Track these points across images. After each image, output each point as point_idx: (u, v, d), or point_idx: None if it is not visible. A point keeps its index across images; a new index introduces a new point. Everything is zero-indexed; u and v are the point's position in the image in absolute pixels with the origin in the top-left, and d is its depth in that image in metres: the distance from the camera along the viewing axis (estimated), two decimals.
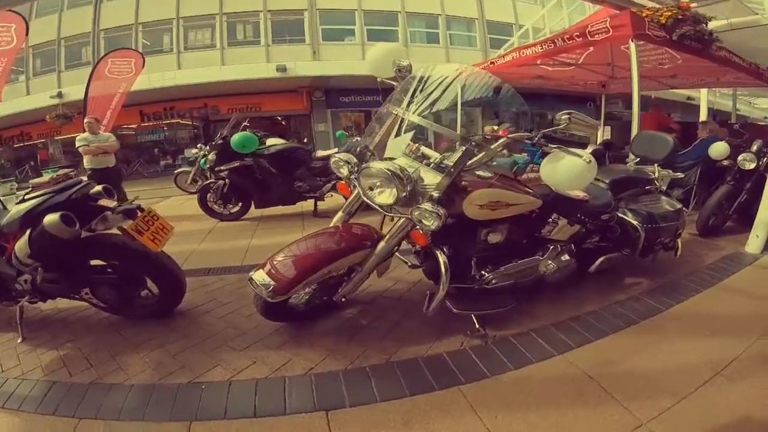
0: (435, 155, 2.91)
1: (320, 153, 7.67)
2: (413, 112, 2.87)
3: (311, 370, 2.72)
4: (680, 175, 4.81)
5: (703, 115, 11.85)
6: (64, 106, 17.17)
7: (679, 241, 4.18)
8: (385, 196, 2.68)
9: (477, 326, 3.04)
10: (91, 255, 3.25)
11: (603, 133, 12.64)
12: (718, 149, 5.73)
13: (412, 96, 2.95)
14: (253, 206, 7.27)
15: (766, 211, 4.69)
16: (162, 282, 3.37)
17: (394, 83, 3.24)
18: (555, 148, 2.66)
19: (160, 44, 21.18)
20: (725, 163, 5.71)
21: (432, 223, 2.55)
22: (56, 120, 16.97)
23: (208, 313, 3.60)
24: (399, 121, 2.98)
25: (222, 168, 6.79)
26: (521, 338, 3.03)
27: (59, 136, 20.65)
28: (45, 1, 20.98)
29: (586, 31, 5.99)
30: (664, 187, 4.35)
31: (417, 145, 2.98)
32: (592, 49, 7.70)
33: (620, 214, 3.79)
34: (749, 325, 3.16)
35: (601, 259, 3.69)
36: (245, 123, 7.62)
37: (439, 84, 2.90)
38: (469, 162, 2.72)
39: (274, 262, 2.75)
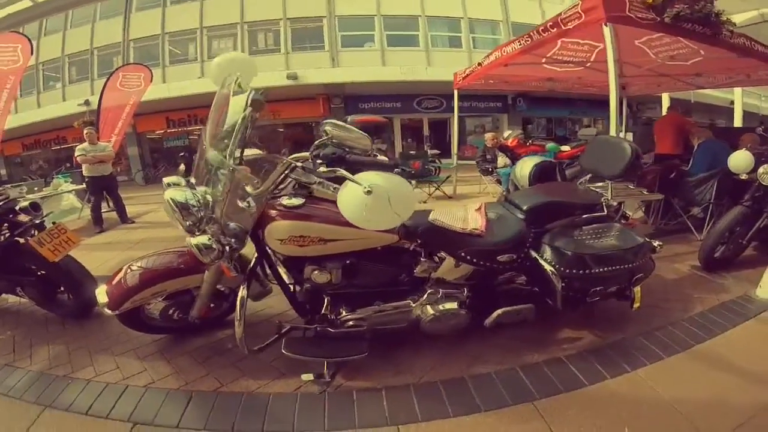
0: None
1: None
2: (208, 134, 2.51)
3: (150, 384, 2.77)
4: (644, 191, 3.74)
5: (738, 120, 10.42)
6: (90, 114, 17.18)
7: (636, 289, 3.03)
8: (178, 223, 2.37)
9: (325, 372, 2.64)
10: (22, 260, 3.69)
11: None
12: (738, 160, 4.48)
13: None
14: None
15: None
16: (68, 287, 3.74)
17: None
18: (328, 172, 2.34)
19: (186, 53, 21.55)
20: (744, 177, 4.45)
21: (206, 257, 2.25)
22: (83, 126, 16.91)
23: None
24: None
25: None
26: (365, 395, 2.57)
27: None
28: (79, 12, 22.25)
29: (559, 20, 5.09)
30: (631, 214, 3.41)
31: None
32: (601, 46, 6.76)
33: (536, 254, 2.87)
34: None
35: (498, 312, 2.84)
36: None
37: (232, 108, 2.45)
38: (256, 191, 2.38)
39: (113, 278, 2.80)
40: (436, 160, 11.10)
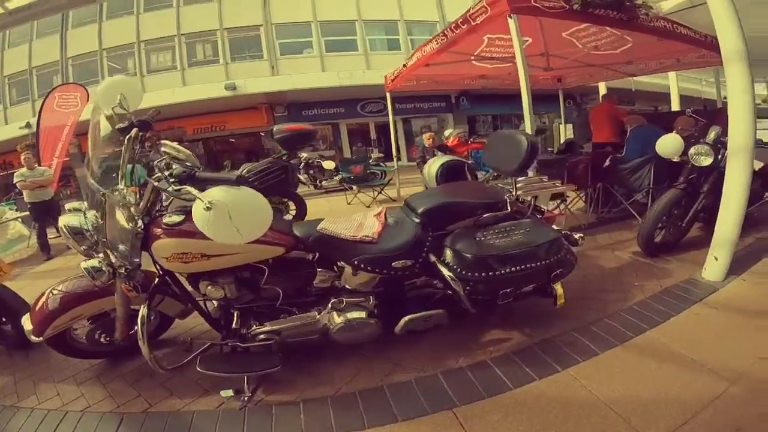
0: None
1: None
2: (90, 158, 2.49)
3: (87, 408, 2.69)
4: (557, 184, 3.38)
5: (675, 105, 10.43)
6: (32, 137, 16.56)
7: (557, 286, 2.86)
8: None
9: (245, 387, 2.58)
10: None
11: (565, 132, 11.76)
12: (666, 144, 4.36)
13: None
14: None
15: (724, 225, 3.49)
16: (7, 318, 3.58)
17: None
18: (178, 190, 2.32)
19: (125, 68, 20.80)
20: (676, 159, 4.35)
21: (97, 280, 2.32)
22: (24, 150, 16.26)
23: None
24: None
25: None
26: (283, 409, 2.49)
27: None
28: (15, 31, 20.73)
29: (467, 16, 4.90)
30: (546, 206, 3.24)
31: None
32: (530, 40, 6.76)
33: (435, 259, 2.70)
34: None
35: (405, 319, 2.68)
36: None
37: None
38: (135, 212, 2.36)
39: (36, 304, 2.74)
40: (381, 164, 10.78)
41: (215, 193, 1.93)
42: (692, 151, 4.11)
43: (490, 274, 2.59)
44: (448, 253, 2.67)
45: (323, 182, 11.81)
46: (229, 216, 1.90)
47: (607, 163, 5.46)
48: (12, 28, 18.62)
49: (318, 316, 2.69)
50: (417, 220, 2.80)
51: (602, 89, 10.34)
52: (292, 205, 6.46)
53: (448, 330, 2.91)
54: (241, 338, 2.65)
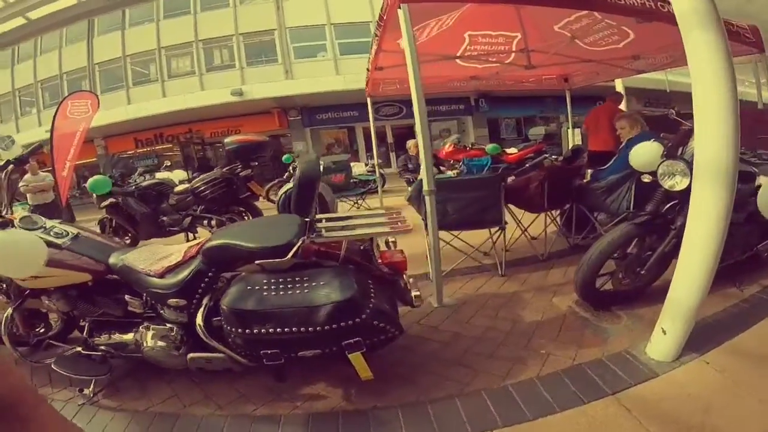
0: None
1: (179, 187, 6.69)
2: None
3: None
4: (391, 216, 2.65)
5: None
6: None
7: (354, 356, 2.17)
8: None
9: (90, 389, 2.64)
10: None
11: (573, 138, 10.49)
12: (640, 154, 3.35)
13: None
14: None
15: (681, 284, 2.37)
16: None
17: None
18: None
19: (148, 74, 21.25)
20: (647, 179, 3.26)
21: None
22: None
23: None
24: None
25: (101, 205, 6.44)
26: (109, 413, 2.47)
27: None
28: (47, 39, 22.18)
29: (381, 14, 4.08)
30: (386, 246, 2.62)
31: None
32: (519, 35, 6.09)
33: (205, 302, 2.39)
34: None
35: (188, 356, 2.43)
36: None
37: None
38: None
39: None
40: (376, 171, 9.71)
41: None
42: (661, 169, 2.91)
43: (245, 330, 2.15)
44: (215, 299, 2.36)
45: None
46: None
47: (586, 178, 4.48)
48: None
49: (132, 338, 2.61)
50: (198, 259, 2.43)
51: (619, 88, 9.02)
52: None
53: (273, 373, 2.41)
54: (87, 346, 2.69)
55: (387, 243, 2.60)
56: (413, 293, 2.42)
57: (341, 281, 2.17)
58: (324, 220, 2.59)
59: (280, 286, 2.18)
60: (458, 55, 6.46)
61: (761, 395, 2.00)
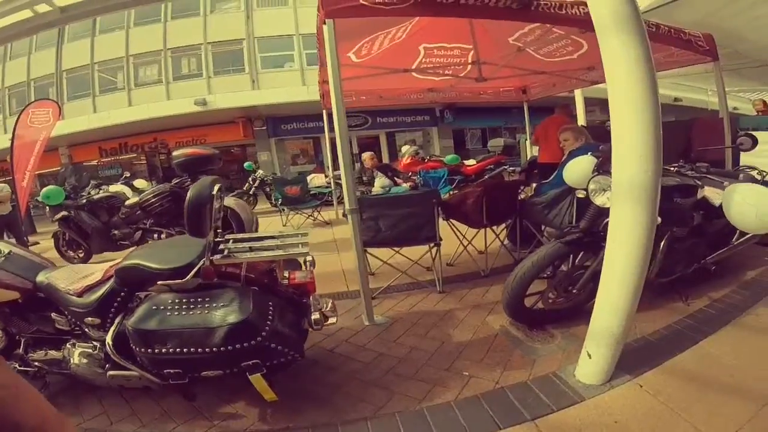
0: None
1: (129, 201, 6.50)
2: None
3: None
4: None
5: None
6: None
7: (255, 378, 2.15)
8: None
9: None
10: None
11: (530, 150, 10.41)
12: (572, 170, 3.29)
13: None
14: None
15: (603, 309, 2.30)
16: None
17: None
18: None
19: (115, 82, 20.75)
20: (581, 194, 3.17)
21: None
22: None
23: None
24: None
25: (53, 218, 6.50)
26: None
27: None
28: (16, 45, 20.77)
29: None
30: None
31: None
32: (471, 48, 6.00)
33: (118, 321, 2.38)
34: None
35: (109, 373, 2.42)
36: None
37: None
38: None
39: None
40: (332, 184, 9.51)
41: None
42: (592, 185, 2.86)
43: (149, 350, 2.15)
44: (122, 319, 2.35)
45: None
46: None
47: (526, 194, 4.43)
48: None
49: (62, 354, 2.56)
50: (113, 279, 2.42)
51: (579, 100, 9.02)
52: None
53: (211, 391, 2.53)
54: (23, 362, 2.66)
55: (305, 262, 2.52)
56: (313, 316, 2.38)
57: (239, 303, 2.15)
58: (231, 241, 2.50)
59: (183, 307, 2.17)
60: (413, 67, 6.42)
61: (695, 420, 1.94)
